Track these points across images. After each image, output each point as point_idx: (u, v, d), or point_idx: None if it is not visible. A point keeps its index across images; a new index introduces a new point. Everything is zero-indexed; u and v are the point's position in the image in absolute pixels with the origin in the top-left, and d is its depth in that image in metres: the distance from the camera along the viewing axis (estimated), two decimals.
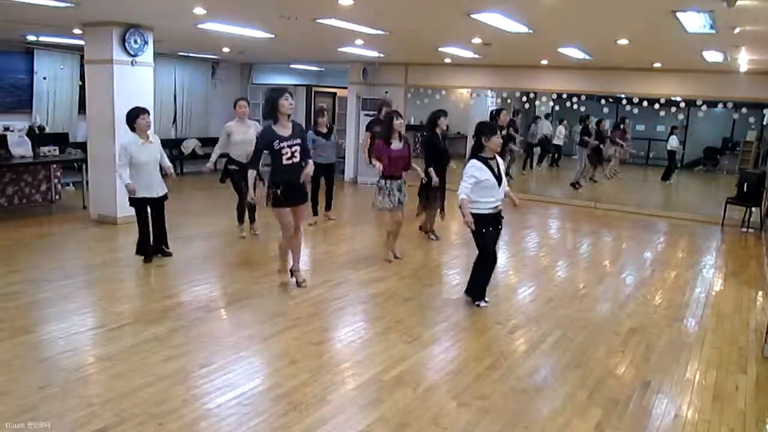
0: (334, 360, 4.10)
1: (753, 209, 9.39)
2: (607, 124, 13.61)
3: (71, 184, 10.02)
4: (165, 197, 6.19)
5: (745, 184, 9.37)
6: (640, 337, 4.73)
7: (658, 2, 4.81)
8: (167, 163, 6.29)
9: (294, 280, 5.56)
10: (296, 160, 5.15)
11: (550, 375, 4.02)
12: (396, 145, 6.27)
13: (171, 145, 12.28)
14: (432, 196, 7.19)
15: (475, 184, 4.84)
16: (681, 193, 14.23)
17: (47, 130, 9.70)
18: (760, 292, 6.20)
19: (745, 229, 9.41)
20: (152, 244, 6.24)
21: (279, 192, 5.12)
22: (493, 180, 4.88)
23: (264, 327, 4.58)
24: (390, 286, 5.69)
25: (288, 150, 5.10)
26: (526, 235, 8.48)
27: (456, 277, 6.23)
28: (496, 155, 5.03)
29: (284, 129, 5.12)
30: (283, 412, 3.33)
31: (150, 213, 6.13)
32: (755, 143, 16.17)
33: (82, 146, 8.56)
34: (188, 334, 4.36)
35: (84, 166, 8.44)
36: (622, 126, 14.54)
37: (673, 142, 14.44)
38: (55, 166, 8.83)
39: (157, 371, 3.74)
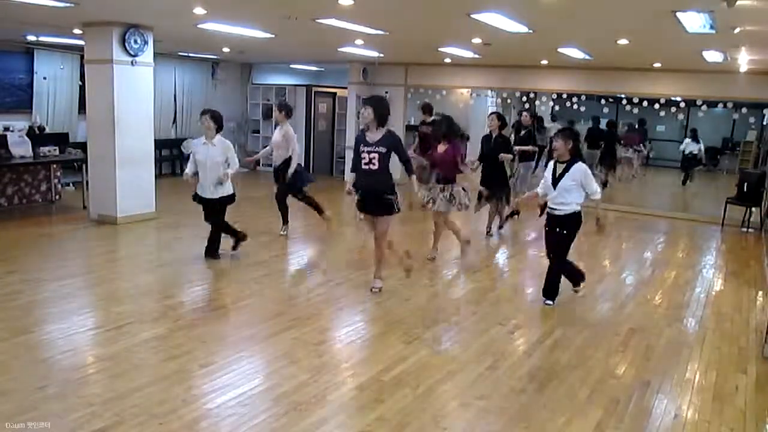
0: (334, 360, 4.10)
1: (753, 209, 9.39)
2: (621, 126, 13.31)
3: (71, 184, 10.01)
4: (218, 201, 6.07)
5: (745, 184, 9.37)
6: (640, 337, 4.74)
7: (658, 2, 4.81)
8: (231, 167, 6.07)
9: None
10: (374, 167, 5.08)
11: (550, 375, 4.01)
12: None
13: (171, 145, 12.29)
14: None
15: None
16: (681, 193, 14.21)
17: (47, 130, 9.68)
18: (760, 292, 6.20)
19: (745, 229, 9.41)
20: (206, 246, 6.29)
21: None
22: None
23: (264, 327, 4.58)
24: (390, 286, 5.69)
25: (366, 155, 5.09)
26: (527, 236, 8.48)
27: (456, 277, 6.23)
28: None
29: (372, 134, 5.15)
30: (283, 412, 3.33)
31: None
32: (755, 143, 16.16)
33: (82, 146, 8.55)
34: (188, 334, 4.36)
35: (84, 166, 8.43)
36: (636, 127, 14.33)
37: (691, 146, 13.94)
38: (55, 166, 8.84)
39: (157, 371, 3.74)
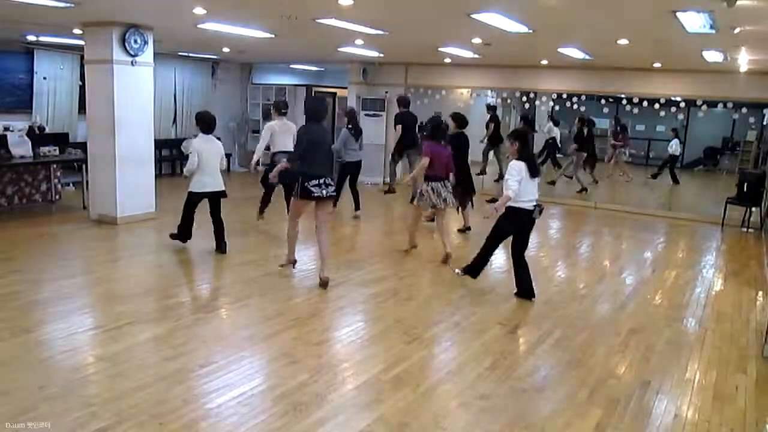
0: (334, 360, 4.10)
1: (753, 209, 9.40)
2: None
3: (71, 184, 10.01)
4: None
5: (745, 184, 9.37)
6: (640, 337, 4.74)
7: (658, 2, 4.81)
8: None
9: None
10: None
11: (550, 375, 4.02)
12: None
13: (171, 145, 12.29)
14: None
15: None
16: (681, 193, 14.21)
17: (47, 130, 9.67)
18: (760, 292, 6.20)
19: (745, 229, 9.41)
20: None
21: None
22: None
23: (264, 327, 4.58)
24: (390, 286, 5.69)
25: None
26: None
27: (455, 277, 6.22)
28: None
29: None
30: (283, 412, 3.33)
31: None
32: (755, 143, 16.17)
33: (82, 146, 8.55)
34: (188, 334, 4.36)
35: (84, 166, 8.43)
36: (617, 128, 14.39)
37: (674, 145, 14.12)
38: (55, 166, 8.83)
39: (157, 371, 3.74)
